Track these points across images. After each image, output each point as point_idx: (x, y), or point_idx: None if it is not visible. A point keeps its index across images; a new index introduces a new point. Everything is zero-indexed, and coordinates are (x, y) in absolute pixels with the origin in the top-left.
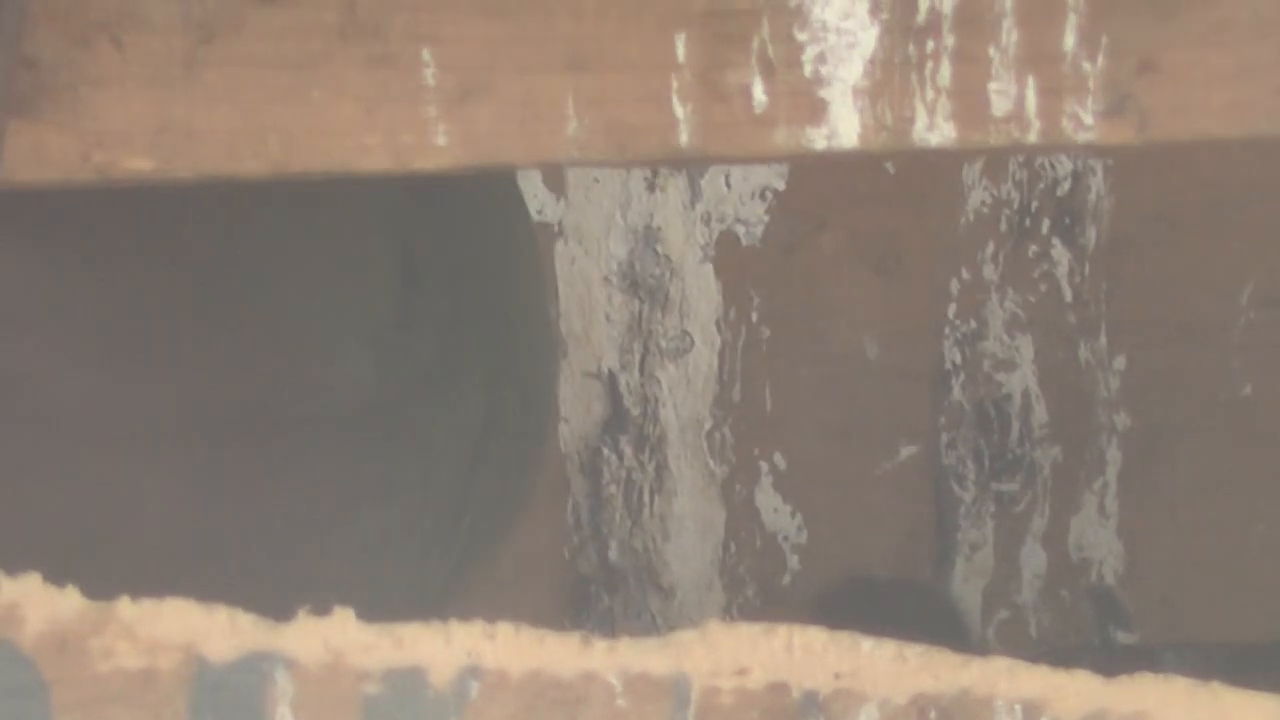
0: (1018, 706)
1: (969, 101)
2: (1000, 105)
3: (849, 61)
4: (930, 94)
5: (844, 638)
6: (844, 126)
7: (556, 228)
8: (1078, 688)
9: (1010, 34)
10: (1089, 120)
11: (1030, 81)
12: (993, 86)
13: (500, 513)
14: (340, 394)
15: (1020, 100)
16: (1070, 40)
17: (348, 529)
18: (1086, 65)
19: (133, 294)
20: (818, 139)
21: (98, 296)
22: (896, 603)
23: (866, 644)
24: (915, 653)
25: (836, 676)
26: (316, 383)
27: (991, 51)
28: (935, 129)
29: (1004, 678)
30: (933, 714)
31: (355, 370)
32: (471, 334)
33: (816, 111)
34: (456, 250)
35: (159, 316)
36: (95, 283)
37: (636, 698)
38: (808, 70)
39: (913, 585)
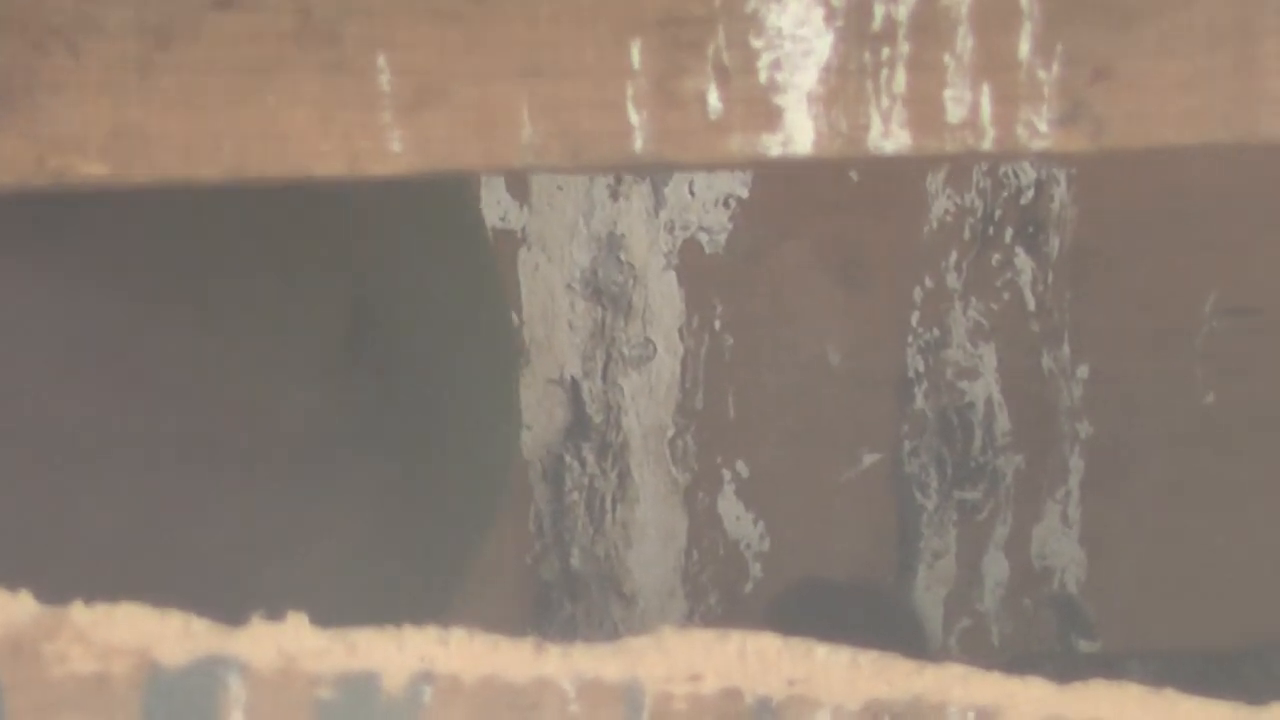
0: (971, 713)
1: (924, 109)
2: (955, 112)
3: (804, 68)
4: (885, 101)
5: (797, 644)
6: (799, 133)
7: (520, 235)
8: (1032, 695)
9: (965, 41)
10: (1044, 128)
11: (985, 89)
12: (948, 94)
13: (466, 532)
14: (289, 422)
15: (975, 107)
16: (1025, 48)
17: (300, 554)
18: (1042, 73)
19: (88, 310)
20: (772, 146)
21: (51, 311)
22: (854, 607)
23: (820, 650)
24: (869, 659)
25: (790, 683)
26: (265, 410)
27: (947, 59)
28: (890, 136)
29: (958, 685)
30: None
31: (304, 399)
32: (426, 360)
33: (771, 118)
34: (410, 275)
35: (113, 333)
36: (49, 297)
37: (590, 704)
38: (763, 77)
39: (870, 589)
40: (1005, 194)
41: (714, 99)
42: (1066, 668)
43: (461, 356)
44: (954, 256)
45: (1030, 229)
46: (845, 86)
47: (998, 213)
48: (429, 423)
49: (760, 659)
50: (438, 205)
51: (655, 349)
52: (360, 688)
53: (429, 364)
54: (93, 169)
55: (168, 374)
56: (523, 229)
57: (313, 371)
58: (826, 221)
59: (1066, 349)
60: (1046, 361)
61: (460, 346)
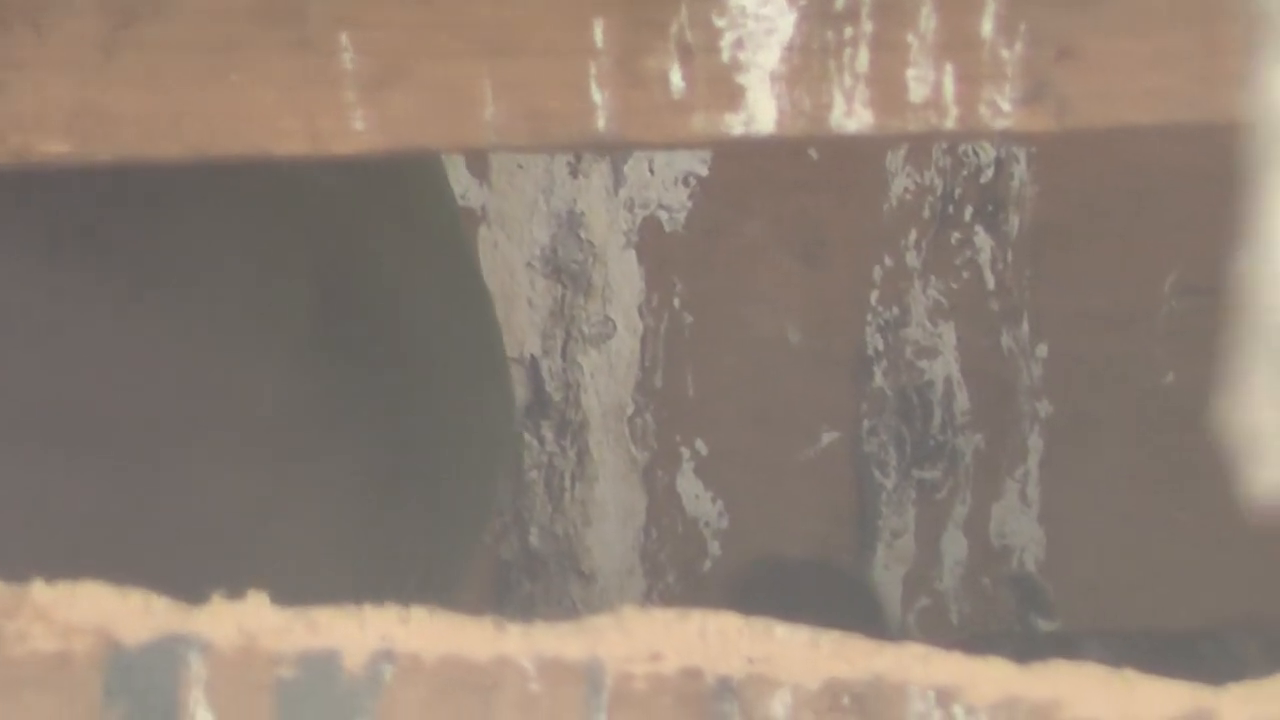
0: (931, 693)
1: (887, 88)
2: (918, 92)
3: (767, 48)
4: (848, 80)
5: (757, 623)
6: (761, 112)
7: (480, 213)
8: (991, 674)
9: (929, 21)
10: (1007, 107)
11: (948, 68)
12: (911, 73)
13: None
14: (256, 404)
15: (938, 87)
16: (989, 27)
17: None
18: (1005, 52)
19: (50, 289)
20: (735, 125)
21: (12, 290)
22: (812, 585)
23: (780, 630)
24: (829, 639)
25: (750, 662)
26: (231, 391)
27: (910, 38)
28: (853, 115)
29: (917, 664)
30: (846, 700)
31: (271, 381)
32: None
33: (734, 97)
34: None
35: (76, 313)
36: (10, 276)
37: (550, 682)
38: (725, 56)
39: (828, 567)
40: (965, 172)
41: (676, 78)
42: (1026, 647)
43: (438, 337)
44: (913, 235)
45: (990, 208)
46: (808, 65)
47: (957, 191)
48: (402, 403)
49: (720, 638)
50: (409, 183)
51: (615, 327)
52: (321, 666)
53: (401, 344)
54: (54, 147)
55: (132, 353)
56: (482, 207)
57: (280, 351)
58: (786, 200)
59: (1026, 328)
60: (1006, 340)
61: (435, 328)
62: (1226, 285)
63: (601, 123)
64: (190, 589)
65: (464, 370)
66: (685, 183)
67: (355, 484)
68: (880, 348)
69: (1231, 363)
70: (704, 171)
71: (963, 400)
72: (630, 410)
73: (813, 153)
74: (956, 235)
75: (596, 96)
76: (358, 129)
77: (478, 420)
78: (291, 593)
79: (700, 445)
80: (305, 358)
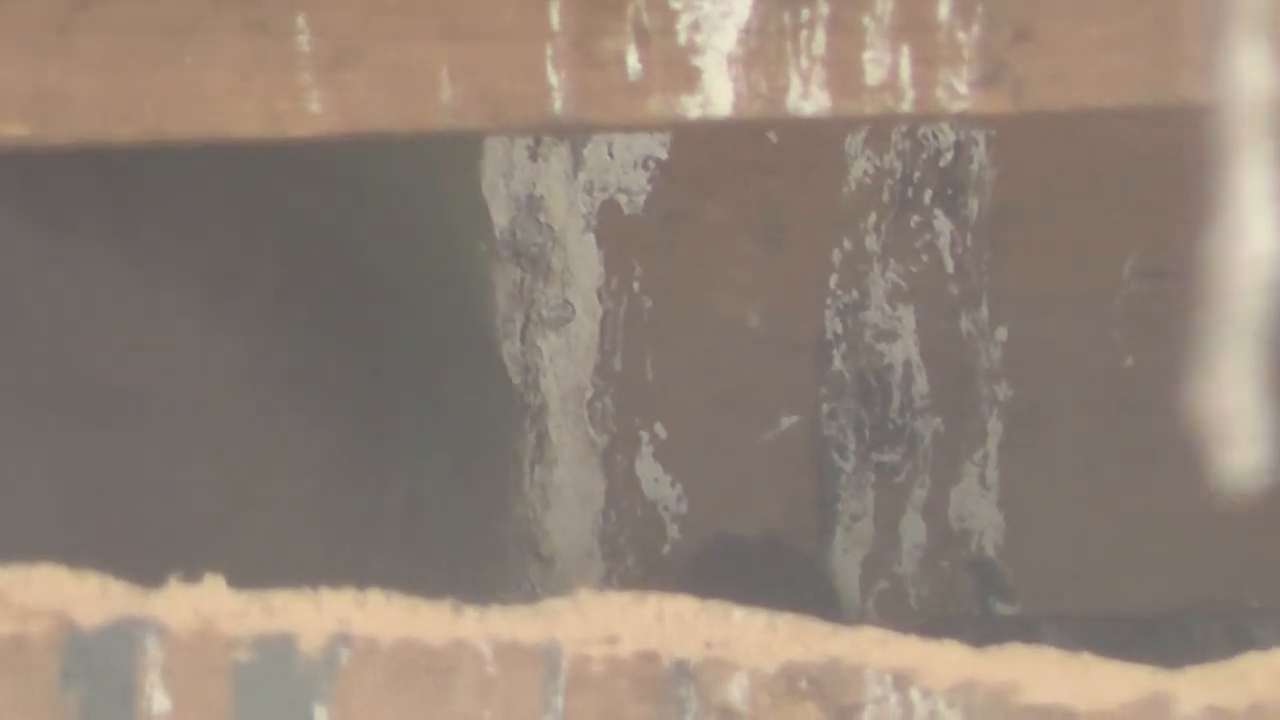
0: (888, 676)
1: (843, 70)
2: (874, 74)
3: (723, 30)
4: (804, 63)
5: (715, 607)
6: (718, 95)
7: None
8: (948, 658)
9: (885, 3)
10: (963, 90)
11: (905, 51)
12: (867, 56)
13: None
14: (214, 385)
15: (894, 69)
16: (945, 10)
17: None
18: (961, 35)
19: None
20: (692, 107)
21: None
22: (767, 564)
23: (737, 613)
24: (785, 622)
25: (707, 645)
26: (189, 371)
27: (866, 20)
28: (809, 98)
29: (874, 647)
30: (803, 683)
31: (228, 363)
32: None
33: (690, 80)
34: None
35: (34, 288)
36: None
37: (507, 665)
38: (682, 38)
39: (783, 546)
40: (924, 156)
41: (633, 60)
42: (984, 631)
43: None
44: (873, 218)
45: (949, 191)
46: (764, 48)
47: (917, 175)
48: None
49: (678, 622)
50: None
51: (574, 310)
52: (277, 650)
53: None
54: (12, 129)
55: (91, 331)
56: None
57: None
58: (746, 183)
59: (985, 311)
60: (965, 324)
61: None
62: (1185, 269)
63: (558, 105)
64: (155, 566)
65: (449, 352)
66: (645, 166)
67: (322, 462)
68: (839, 331)
69: (1201, 346)
70: (663, 155)
71: (922, 384)
72: (589, 394)
73: (772, 136)
74: (916, 219)
75: (553, 79)
76: (314, 111)
77: (466, 399)
78: (260, 571)
79: (659, 429)
80: (270, 336)
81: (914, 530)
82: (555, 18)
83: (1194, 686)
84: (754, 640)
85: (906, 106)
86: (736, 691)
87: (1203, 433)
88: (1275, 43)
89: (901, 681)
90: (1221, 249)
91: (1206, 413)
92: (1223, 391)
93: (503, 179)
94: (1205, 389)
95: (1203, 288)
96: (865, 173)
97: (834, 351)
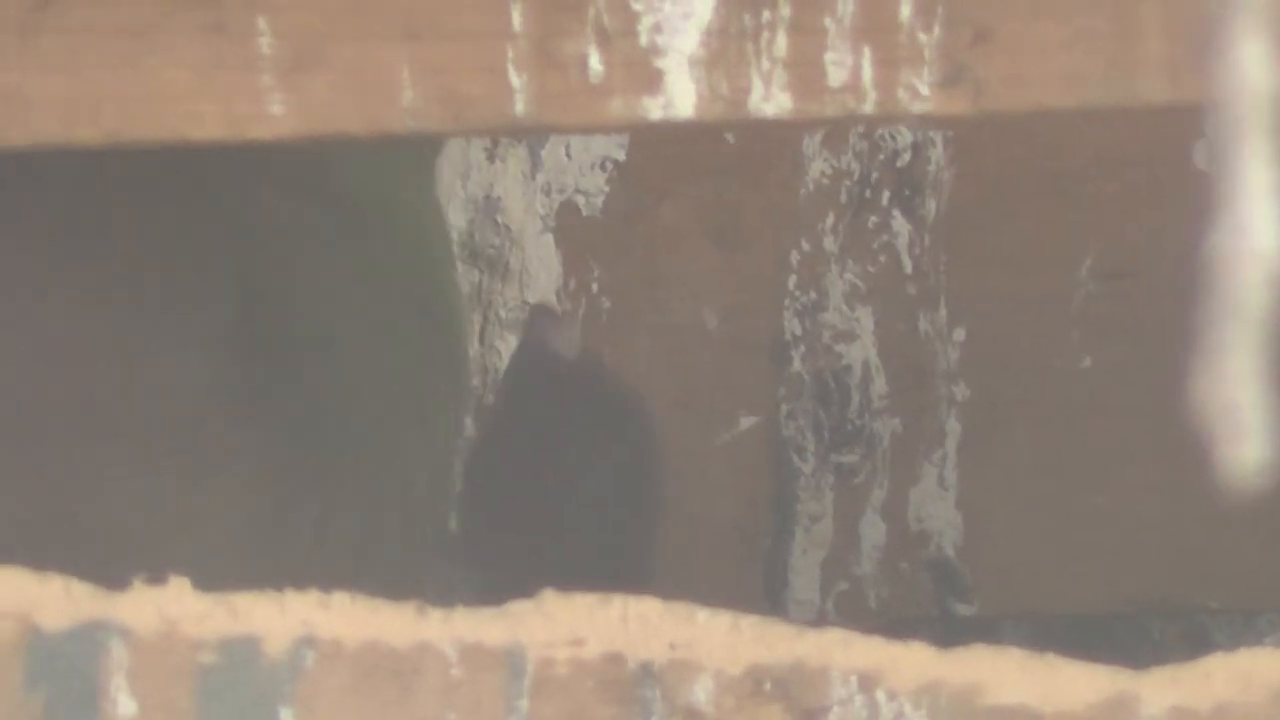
0: (853, 678)
1: (805, 72)
2: (836, 76)
3: (684, 32)
4: (766, 64)
5: (679, 608)
6: (679, 97)
7: None
8: (913, 659)
9: (847, 5)
10: (925, 91)
11: (866, 52)
12: (829, 57)
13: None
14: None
15: (856, 71)
16: (906, 11)
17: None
18: (922, 36)
19: None
20: (653, 109)
21: None
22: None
23: (702, 615)
24: (750, 624)
25: (672, 647)
26: (150, 387)
27: (828, 22)
28: (771, 99)
29: (839, 649)
30: (768, 685)
31: (189, 379)
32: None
33: (652, 81)
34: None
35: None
36: None
37: (471, 668)
38: (644, 40)
39: (594, 364)
40: (882, 157)
41: (595, 62)
42: (945, 632)
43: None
44: (830, 219)
45: (907, 192)
46: (726, 49)
47: (874, 175)
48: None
49: (642, 623)
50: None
51: None
52: (241, 652)
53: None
54: None
55: (54, 343)
56: None
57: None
58: (703, 185)
59: (943, 312)
60: (923, 324)
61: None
62: (1143, 269)
63: (519, 106)
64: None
65: (406, 366)
66: (603, 167)
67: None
68: (798, 332)
69: (1206, 341)
70: (621, 156)
71: (880, 384)
72: None
73: (730, 137)
74: (873, 219)
75: (514, 80)
76: (275, 113)
77: (421, 415)
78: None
79: None
80: (225, 352)
81: (873, 531)
82: (516, 19)
83: (1159, 687)
84: (718, 642)
85: (868, 108)
86: (701, 693)
87: (1206, 429)
88: (1278, 37)
89: (867, 683)
90: (1224, 244)
91: (1210, 409)
92: (1226, 387)
93: (460, 180)
94: (1208, 385)
95: (1163, 287)
96: (823, 173)
97: (792, 352)
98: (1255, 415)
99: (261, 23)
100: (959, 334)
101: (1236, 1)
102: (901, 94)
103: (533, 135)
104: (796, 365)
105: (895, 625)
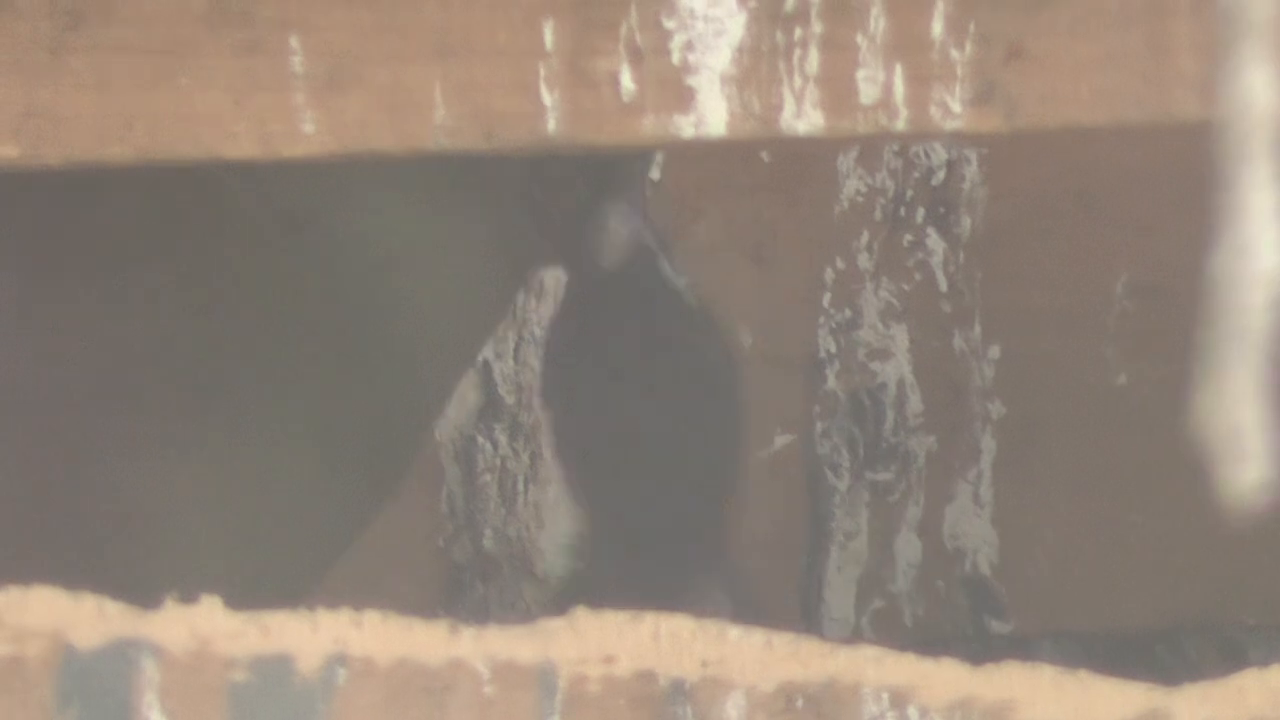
0: (885, 694)
1: (837, 89)
2: (868, 93)
3: (717, 49)
4: (798, 82)
5: (711, 626)
6: (712, 114)
7: None
8: (945, 676)
9: (878, 22)
10: (957, 108)
11: (898, 69)
12: (861, 74)
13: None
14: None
15: (888, 88)
16: (939, 28)
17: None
18: (955, 53)
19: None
20: (685, 127)
21: None
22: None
23: (734, 632)
24: (783, 641)
25: (703, 664)
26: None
27: (860, 39)
28: (803, 117)
29: (871, 666)
30: (800, 702)
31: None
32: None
33: (684, 99)
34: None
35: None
36: None
37: (504, 685)
38: (675, 58)
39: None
40: (916, 174)
41: (627, 80)
42: (979, 649)
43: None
44: (865, 237)
45: (941, 210)
46: (758, 67)
47: (909, 193)
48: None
49: (674, 640)
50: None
51: None
52: (274, 670)
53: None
54: (4, 151)
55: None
56: None
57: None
58: (738, 202)
59: (978, 329)
60: (958, 342)
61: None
62: (1176, 285)
63: (552, 125)
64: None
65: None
66: None
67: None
68: (833, 350)
69: (1207, 362)
70: (656, 174)
71: (915, 402)
72: None
73: (764, 155)
74: (908, 237)
75: (547, 98)
76: (308, 132)
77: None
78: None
79: None
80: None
81: (908, 548)
82: (549, 37)
83: (1191, 704)
84: (750, 659)
85: (901, 125)
86: (733, 710)
87: (1208, 449)
88: None
89: (899, 699)
90: (1227, 266)
91: (1213, 429)
92: (1229, 408)
93: None
94: (1211, 405)
95: (1196, 303)
96: (858, 191)
97: (827, 370)
98: (1257, 436)
99: (294, 42)
100: (994, 351)
101: (1243, 25)
102: (933, 111)
103: (565, 153)
104: (831, 383)
105: (930, 642)
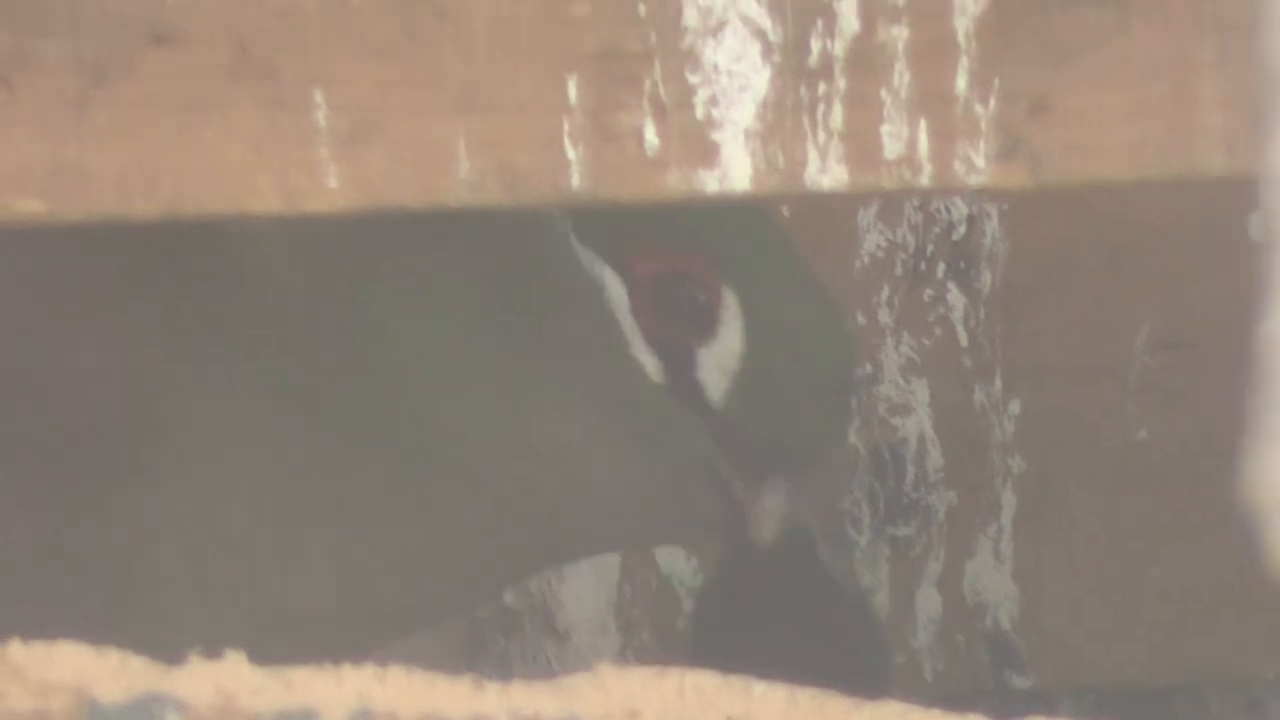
0: None
1: (861, 144)
2: (892, 148)
3: (740, 104)
4: (822, 136)
5: (735, 681)
6: (736, 169)
7: None
8: None
9: (902, 76)
10: (981, 163)
11: (922, 124)
12: (885, 129)
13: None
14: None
15: (912, 143)
16: (962, 82)
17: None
18: (979, 107)
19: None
20: (710, 181)
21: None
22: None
23: (759, 687)
24: (807, 696)
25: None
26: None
27: (884, 94)
28: (827, 171)
29: None
30: None
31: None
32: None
33: (708, 154)
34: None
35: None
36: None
37: None
38: (699, 112)
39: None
40: (937, 229)
41: (651, 134)
42: (1002, 705)
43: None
44: (885, 292)
45: (962, 264)
46: (782, 122)
47: (929, 248)
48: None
49: (699, 696)
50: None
51: None
52: None
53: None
54: (30, 206)
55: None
56: None
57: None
58: None
59: (999, 384)
60: (979, 397)
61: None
62: (1199, 341)
63: (576, 180)
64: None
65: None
66: None
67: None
68: (853, 405)
69: (1257, 425)
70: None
71: (936, 457)
72: None
73: (784, 210)
74: (929, 292)
75: (570, 153)
76: (331, 186)
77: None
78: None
79: None
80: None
81: (929, 604)
82: (572, 92)
83: None
84: (774, 714)
85: (925, 180)
86: None
87: (1258, 513)
88: None
89: None
90: (1273, 326)
91: (1263, 494)
92: (1275, 472)
93: None
94: (1257, 469)
95: (1218, 360)
96: (878, 246)
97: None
98: None
99: (318, 96)
100: (1014, 407)
101: None
102: (958, 166)
103: (589, 208)
104: (852, 437)
105: (952, 698)
